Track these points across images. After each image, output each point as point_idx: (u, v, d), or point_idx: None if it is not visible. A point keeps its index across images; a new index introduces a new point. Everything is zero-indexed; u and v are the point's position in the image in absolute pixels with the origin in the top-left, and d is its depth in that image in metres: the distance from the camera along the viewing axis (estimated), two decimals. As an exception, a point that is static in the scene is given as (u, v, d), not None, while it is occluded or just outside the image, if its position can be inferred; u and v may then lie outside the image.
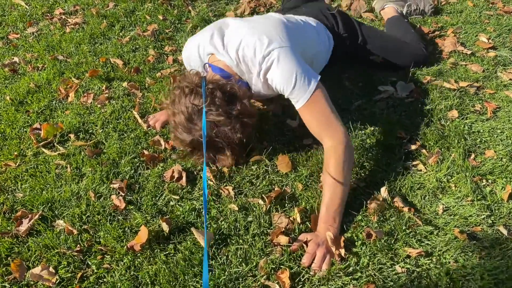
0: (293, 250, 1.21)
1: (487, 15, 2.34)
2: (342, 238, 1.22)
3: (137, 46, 2.31)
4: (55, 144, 1.68)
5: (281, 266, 1.17)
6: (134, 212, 1.37)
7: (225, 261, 1.21)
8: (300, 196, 1.39)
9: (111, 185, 1.46)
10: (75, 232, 1.31)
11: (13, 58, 2.28)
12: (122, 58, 2.21)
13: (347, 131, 1.36)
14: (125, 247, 1.25)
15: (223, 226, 1.30)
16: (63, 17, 2.70)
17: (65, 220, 1.35)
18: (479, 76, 1.89)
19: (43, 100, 1.93)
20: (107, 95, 1.93)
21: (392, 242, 1.23)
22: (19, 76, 2.15)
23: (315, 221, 1.28)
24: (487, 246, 1.20)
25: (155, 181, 1.48)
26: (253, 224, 1.30)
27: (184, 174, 1.48)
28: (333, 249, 1.19)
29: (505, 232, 1.23)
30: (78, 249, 1.26)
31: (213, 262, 1.21)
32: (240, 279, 1.16)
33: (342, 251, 1.19)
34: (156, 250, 1.24)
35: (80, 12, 2.74)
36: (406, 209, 1.31)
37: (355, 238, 1.25)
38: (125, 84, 1.99)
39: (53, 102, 1.92)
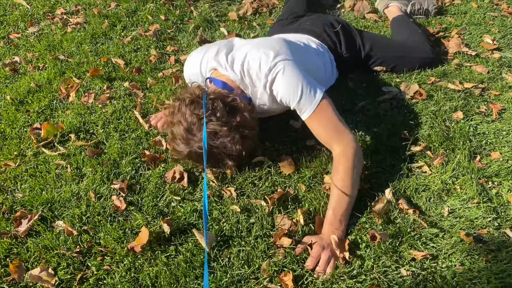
0: (297, 253, 1.19)
1: (491, 16, 2.33)
2: (347, 241, 1.20)
3: (139, 46, 2.30)
4: (56, 144, 1.67)
5: (284, 269, 1.16)
6: (134, 213, 1.36)
7: (227, 263, 1.19)
8: (303, 198, 1.38)
9: (112, 186, 1.45)
10: (75, 233, 1.30)
11: (14, 58, 2.27)
12: (124, 58, 2.20)
13: (356, 137, 1.35)
14: (126, 248, 1.24)
15: (225, 228, 1.29)
16: (65, 17, 2.69)
17: (65, 221, 1.34)
18: (484, 78, 1.87)
19: (43, 99, 1.92)
20: (108, 95, 1.92)
21: (397, 244, 1.21)
22: (20, 75, 2.14)
23: (320, 223, 1.27)
24: (494, 249, 1.18)
25: (156, 181, 1.46)
26: (256, 225, 1.28)
27: (185, 175, 1.46)
28: (338, 252, 1.17)
29: (511, 234, 1.21)
30: (78, 250, 1.24)
31: (215, 264, 1.19)
32: (242, 282, 1.14)
33: (347, 255, 1.17)
34: (157, 252, 1.23)
35: (82, 12, 2.74)
36: (411, 211, 1.29)
37: (359, 240, 1.23)
38: (126, 84, 1.98)
39: (54, 102, 1.91)
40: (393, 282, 1.12)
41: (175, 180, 1.46)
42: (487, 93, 1.79)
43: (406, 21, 2.20)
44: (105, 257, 1.23)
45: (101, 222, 1.33)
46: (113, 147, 1.61)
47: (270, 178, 1.45)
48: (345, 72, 1.88)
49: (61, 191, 1.45)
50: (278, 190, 1.39)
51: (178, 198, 1.40)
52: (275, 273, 1.15)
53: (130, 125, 1.73)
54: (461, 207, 1.31)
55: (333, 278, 1.12)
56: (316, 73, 1.58)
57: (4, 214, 1.38)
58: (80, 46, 2.34)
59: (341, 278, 1.13)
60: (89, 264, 1.21)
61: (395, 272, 1.14)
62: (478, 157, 1.48)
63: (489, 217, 1.27)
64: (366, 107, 1.75)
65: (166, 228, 1.26)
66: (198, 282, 1.14)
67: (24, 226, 1.32)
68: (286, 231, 1.25)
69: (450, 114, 1.67)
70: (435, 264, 1.16)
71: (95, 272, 1.19)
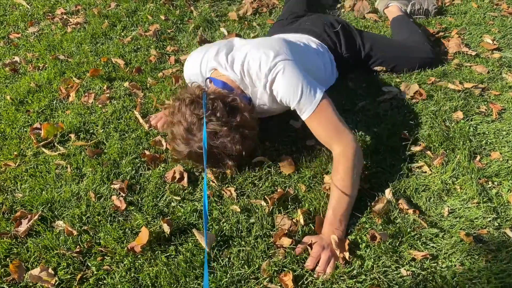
0: (297, 253, 1.19)
1: (491, 16, 2.33)
2: (347, 241, 1.20)
3: (139, 46, 2.30)
4: (56, 144, 1.67)
5: (284, 269, 1.16)
6: (134, 213, 1.36)
7: (227, 263, 1.19)
8: (303, 198, 1.38)
9: (112, 186, 1.45)
10: (75, 233, 1.29)
11: (14, 58, 2.27)
12: (124, 58, 2.20)
13: (356, 137, 1.35)
14: (126, 248, 1.23)
15: (225, 228, 1.29)
16: (65, 17, 2.69)
17: (65, 221, 1.34)
18: (484, 78, 1.87)
19: (43, 99, 1.91)
20: (108, 95, 1.91)
21: (397, 244, 1.21)
22: (20, 75, 2.14)
23: (319, 223, 1.27)
24: (494, 249, 1.18)
25: (156, 181, 1.46)
26: (256, 225, 1.28)
27: (185, 175, 1.46)
28: (338, 252, 1.17)
29: (511, 234, 1.21)
30: (78, 250, 1.24)
31: (215, 264, 1.19)
32: (242, 282, 1.14)
33: (347, 255, 1.17)
34: (157, 252, 1.23)
35: (82, 12, 2.74)
36: (411, 211, 1.29)
37: (359, 240, 1.23)
38: (126, 84, 1.98)
39: (54, 102, 1.91)
40: (393, 282, 1.12)
41: (175, 180, 1.46)
42: (487, 93, 1.79)
43: (406, 21, 2.20)
44: (105, 257, 1.23)
45: (101, 222, 1.33)
46: (113, 147, 1.61)
47: (270, 178, 1.45)
48: (345, 72, 1.88)
49: (61, 191, 1.45)
50: (278, 190, 1.39)
51: (178, 198, 1.40)
52: (275, 273, 1.15)
53: (130, 125, 1.73)
54: (461, 207, 1.31)
55: (333, 278, 1.12)
56: (316, 73, 1.58)
57: (4, 214, 1.38)
58: (80, 46, 2.34)
59: (341, 278, 1.13)
60: (89, 264, 1.21)
61: (395, 272, 1.14)
62: (478, 157, 1.48)
63: (489, 217, 1.27)
64: (366, 107, 1.75)
65: (166, 228, 1.26)
66: (198, 282, 1.14)
67: (24, 226, 1.32)
68: (286, 231, 1.25)
69: (450, 114, 1.67)
70: (435, 264, 1.16)
71: (95, 272, 1.18)
